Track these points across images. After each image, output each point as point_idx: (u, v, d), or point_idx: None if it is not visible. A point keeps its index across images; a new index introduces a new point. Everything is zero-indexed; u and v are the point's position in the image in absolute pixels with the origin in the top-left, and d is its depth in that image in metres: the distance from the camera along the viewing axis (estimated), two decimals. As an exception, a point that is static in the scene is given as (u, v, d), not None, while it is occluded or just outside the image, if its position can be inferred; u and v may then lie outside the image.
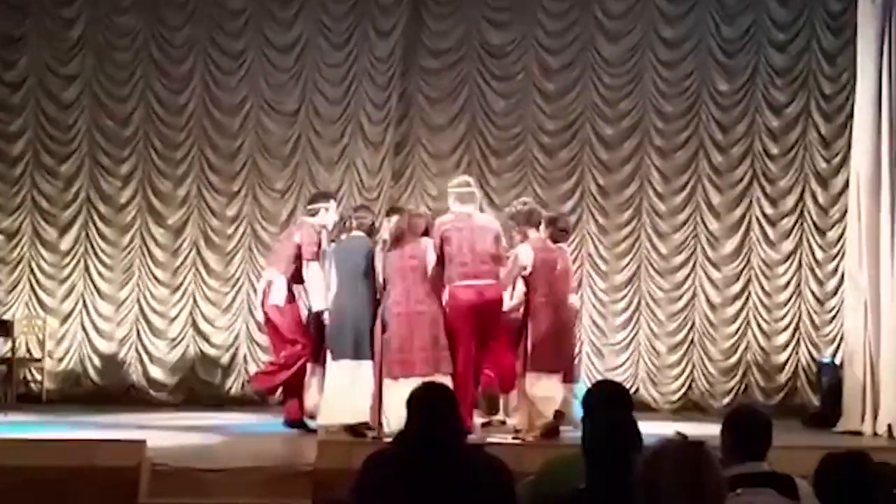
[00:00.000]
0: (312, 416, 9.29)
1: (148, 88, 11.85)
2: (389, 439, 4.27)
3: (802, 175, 11.96)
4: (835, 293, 11.66)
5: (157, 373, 11.73)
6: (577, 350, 10.26)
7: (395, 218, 9.27)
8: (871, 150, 10.13)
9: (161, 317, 11.80)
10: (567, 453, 4.24)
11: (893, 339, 9.82)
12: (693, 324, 11.97)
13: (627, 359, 11.90)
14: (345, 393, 8.76)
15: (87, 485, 6.72)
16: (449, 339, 8.71)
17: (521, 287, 9.02)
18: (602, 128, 12.06)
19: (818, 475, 3.77)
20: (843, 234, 11.19)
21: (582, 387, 8.55)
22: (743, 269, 11.98)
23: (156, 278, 11.81)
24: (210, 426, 9.85)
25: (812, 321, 11.85)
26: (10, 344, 11.12)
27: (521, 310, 9.02)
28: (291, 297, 9.42)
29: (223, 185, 11.91)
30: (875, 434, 9.85)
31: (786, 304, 11.91)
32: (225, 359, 11.78)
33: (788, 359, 11.86)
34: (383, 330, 8.79)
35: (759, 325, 11.91)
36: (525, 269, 8.86)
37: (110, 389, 11.66)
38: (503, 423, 9.50)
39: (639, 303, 11.99)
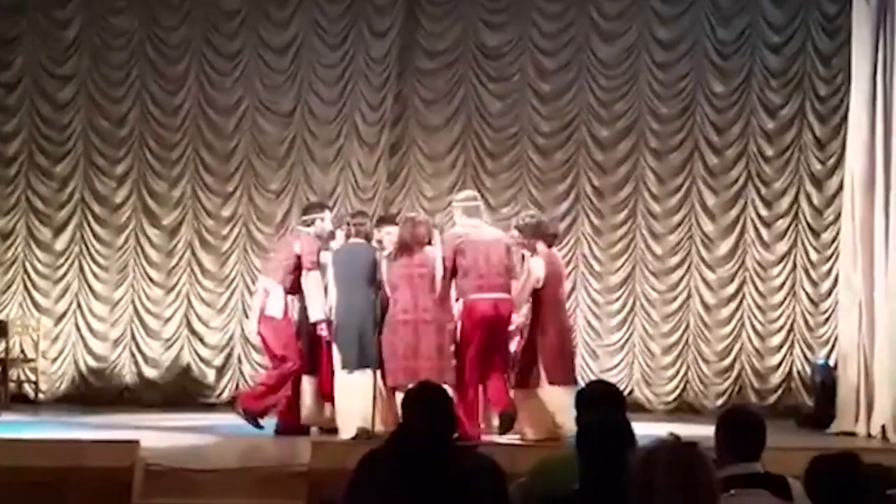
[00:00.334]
0: (307, 425, 9.28)
1: (143, 89, 11.85)
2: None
3: (797, 177, 11.97)
4: (829, 295, 11.67)
5: (151, 373, 11.73)
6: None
7: (386, 228, 9.29)
8: (865, 152, 10.14)
9: (155, 317, 11.80)
10: (560, 454, 4.25)
11: (887, 341, 9.82)
12: (687, 325, 11.98)
13: (622, 360, 11.91)
14: (359, 402, 8.70)
15: (81, 485, 6.70)
16: (459, 351, 8.72)
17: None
18: (597, 129, 12.07)
19: (808, 476, 3.78)
20: (837, 235, 11.22)
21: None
22: (737, 270, 11.99)
23: (150, 279, 11.81)
24: (204, 427, 9.84)
25: (806, 322, 11.86)
26: (3, 344, 11.11)
27: (527, 323, 9.00)
28: (286, 309, 9.31)
29: (218, 186, 11.91)
30: (869, 435, 9.86)
31: (780, 306, 11.92)
32: (219, 360, 11.77)
33: (783, 360, 11.87)
34: (381, 335, 8.80)
35: (753, 327, 11.92)
36: (539, 282, 8.89)
37: (104, 390, 11.66)
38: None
39: (633, 304, 12.00)
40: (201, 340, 11.79)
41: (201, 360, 11.77)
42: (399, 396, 8.33)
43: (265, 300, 9.26)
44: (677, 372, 11.94)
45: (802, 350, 11.83)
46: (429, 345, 8.62)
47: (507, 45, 12.07)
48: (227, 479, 7.30)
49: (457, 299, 8.88)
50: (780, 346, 11.89)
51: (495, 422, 8.93)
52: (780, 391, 11.82)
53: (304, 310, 9.39)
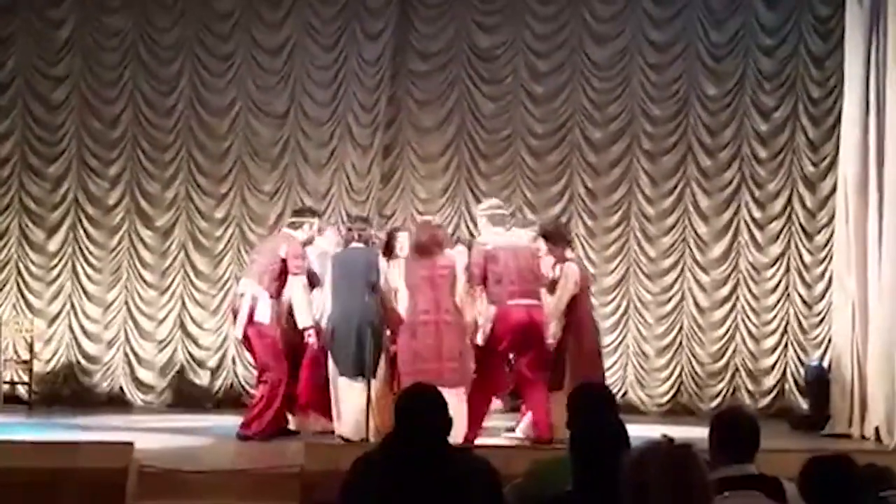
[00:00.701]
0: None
1: (136, 90, 11.84)
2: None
3: (790, 179, 11.99)
4: (823, 296, 11.69)
5: (144, 375, 11.72)
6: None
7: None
8: (858, 155, 10.16)
9: (149, 319, 11.78)
10: (554, 456, 4.25)
11: (881, 343, 9.84)
12: (681, 327, 11.99)
13: (616, 362, 11.90)
14: (358, 410, 8.71)
15: (75, 487, 6.70)
16: (485, 355, 8.73)
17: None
18: (591, 131, 12.08)
19: (802, 478, 3.78)
20: (830, 237, 11.23)
21: None
22: (731, 272, 12.00)
23: (144, 280, 11.80)
24: (198, 428, 9.84)
25: (800, 324, 11.87)
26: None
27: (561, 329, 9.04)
28: (274, 316, 9.16)
29: (211, 187, 11.90)
30: (863, 437, 9.88)
31: (774, 308, 11.93)
32: (213, 361, 11.76)
33: (776, 362, 11.88)
34: (394, 340, 8.80)
35: (747, 329, 11.93)
36: (576, 287, 9.00)
37: (98, 391, 11.64)
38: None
39: (627, 306, 12.01)
40: (195, 342, 11.78)
41: (195, 361, 11.76)
42: None
43: (254, 306, 9.09)
44: (671, 374, 11.94)
45: (796, 352, 11.84)
46: (451, 346, 8.62)
47: (500, 47, 12.07)
48: (220, 481, 7.31)
49: (490, 305, 8.82)
50: (774, 348, 11.90)
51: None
52: (773, 393, 11.83)
53: (286, 316, 9.30)
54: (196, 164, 11.89)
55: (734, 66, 12.02)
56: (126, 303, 11.76)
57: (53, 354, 11.66)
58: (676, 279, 12.03)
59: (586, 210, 12.05)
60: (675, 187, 12.07)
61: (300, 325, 9.12)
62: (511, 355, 8.94)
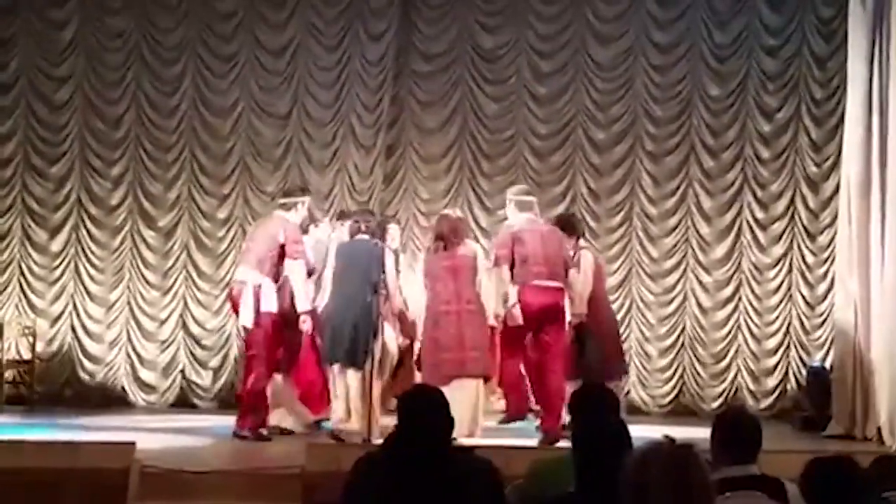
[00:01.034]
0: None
1: (139, 90, 11.84)
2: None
3: (793, 179, 11.98)
4: (825, 297, 11.68)
5: (146, 375, 11.72)
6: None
7: (347, 222, 9.38)
8: (861, 155, 10.14)
9: (151, 319, 11.79)
10: (555, 456, 4.25)
11: (883, 343, 9.82)
12: (684, 327, 11.98)
13: (618, 362, 11.89)
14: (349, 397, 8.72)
15: (76, 487, 6.70)
16: (508, 339, 8.80)
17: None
18: (594, 132, 12.08)
19: (804, 479, 3.78)
20: (833, 238, 11.22)
21: None
22: (734, 273, 12.00)
23: (146, 280, 11.80)
24: (200, 428, 9.83)
25: (802, 325, 11.87)
26: (-1, 345, 11.10)
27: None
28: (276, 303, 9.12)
29: (214, 188, 11.90)
30: (865, 438, 9.86)
31: (776, 308, 11.93)
32: (215, 361, 11.76)
33: (779, 362, 11.88)
34: (406, 335, 8.85)
35: (749, 329, 11.93)
36: (592, 274, 9.26)
37: (100, 391, 11.64)
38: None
39: (630, 306, 12.01)
40: (197, 342, 11.79)
41: (197, 361, 11.77)
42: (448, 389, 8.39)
43: (258, 294, 8.99)
44: (673, 374, 11.94)
45: (798, 353, 11.83)
46: (473, 336, 8.69)
47: (503, 48, 12.07)
48: (222, 481, 7.30)
49: (514, 286, 8.86)
50: (777, 349, 11.90)
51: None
52: (775, 393, 11.83)
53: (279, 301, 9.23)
54: (199, 164, 11.90)
55: (737, 67, 12.02)
56: (128, 303, 11.77)
57: (55, 354, 11.67)
58: (679, 280, 12.03)
59: (589, 211, 12.05)
60: (678, 188, 12.06)
61: (300, 309, 9.05)
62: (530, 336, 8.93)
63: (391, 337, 9.30)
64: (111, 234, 11.82)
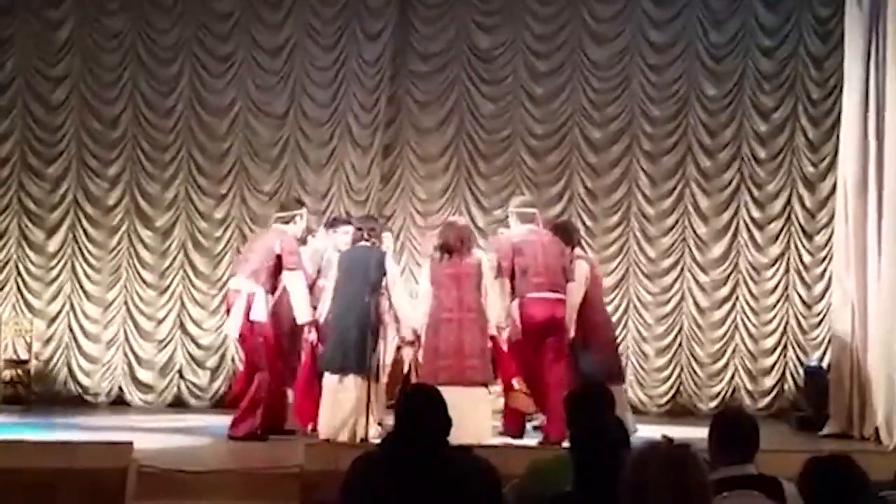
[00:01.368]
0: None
1: (136, 90, 11.83)
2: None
3: (790, 179, 11.99)
4: (822, 297, 11.70)
5: (144, 375, 11.71)
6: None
7: (343, 228, 9.48)
8: (858, 155, 10.16)
9: (148, 319, 11.78)
10: (553, 455, 4.25)
11: (880, 343, 9.83)
12: (681, 327, 11.99)
13: (615, 362, 11.89)
14: (345, 408, 8.68)
15: (74, 487, 6.70)
16: (511, 351, 8.80)
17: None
18: (590, 131, 12.08)
19: (802, 479, 3.78)
20: (830, 238, 11.23)
21: None
22: (730, 272, 12.00)
23: (143, 280, 11.79)
24: (198, 428, 9.83)
25: (799, 325, 11.87)
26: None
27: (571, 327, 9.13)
28: (268, 313, 9.09)
29: (211, 188, 11.90)
30: (863, 437, 9.87)
31: (773, 308, 11.94)
32: (212, 361, 11.76)
33: (776, 362, 11.89)
34: (417, 337, 8.83)
35: (746, 329, 11.93)
36: (587, 283, 9.19)
37: (97, 391, 11.64)
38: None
39: (627, 306, 12.01)
40: (194, 342, 11.78)
41: (194, 361, 11.76)
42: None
43: (250, 303, 9.01)
44: (671, 374, 11.95)
45: (796, 352, 11.84)
46: (472, 344, 8.65)
47: (499, 48, 12.07)
48: (220, 481, 7.30)
49: (513, 299, 8.90)
50: (774, 349, 11.90)
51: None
52: (773, 393, 11.84)
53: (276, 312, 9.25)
54: (196, 164, 11.89)
55: (734, 67, 12.03)
56: (125, 303, 11.76)
57: (53, 354, 11.66)
58: (676, 279, 12.03)
59: (586, 210, 12.05)
60: (675, 188, 12.07)
61: (299, 321, 9.09)
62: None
63: (391, 339, 9.33)
64: (108, 233, 11.81)
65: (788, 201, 11.99)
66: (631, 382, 11.86)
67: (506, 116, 12.08)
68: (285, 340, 9.31)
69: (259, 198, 11.86)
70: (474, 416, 8.17)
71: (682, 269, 12.04)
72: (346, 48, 11.91)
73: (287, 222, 9.39)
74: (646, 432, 8.44)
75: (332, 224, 9.90)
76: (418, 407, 3.92)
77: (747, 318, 11.94)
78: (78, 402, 11.49)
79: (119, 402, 11.56)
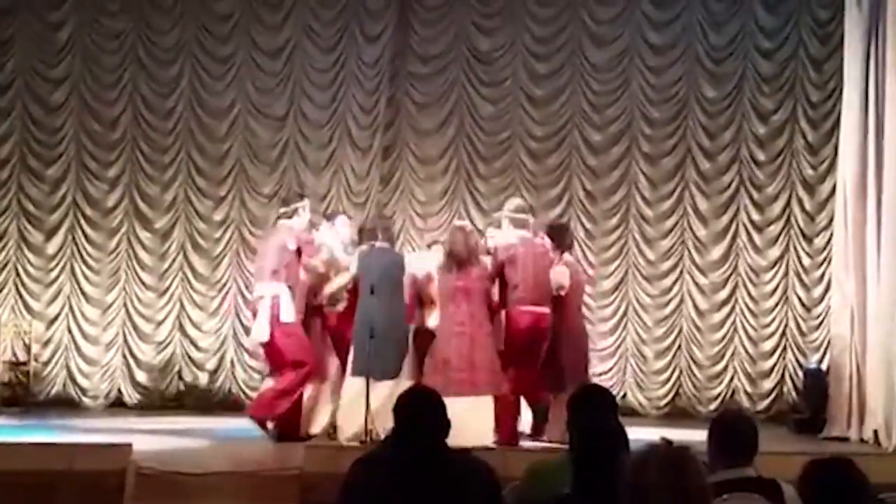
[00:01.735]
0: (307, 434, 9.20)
1: (135, 92, 11.84)
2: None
3: (789, 182, 11.99)
4: (821, 300, 11.69)
5: (143, 377, 11.71)
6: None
7: (339, 219, 9.61)
8: (857, 157, 10.16)
9: (148, 321, 11.78)
10: (552, 458, 4.25)
11: (879, 346, 9.83)
12: (680, 329, 11.98)
13: (614, 364, 11.91)
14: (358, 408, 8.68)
15: (73, 489, 6.69)
16: (504, 360, 8.80)
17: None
18: (590, 133, 12.08)
19: (802, 481, 3.78)
20: (829, 240, 11.23)
21: None
22: (730, 275, 12.00)
23: (142, 282, 11.79)
24: (197, 430, 9.82)
25: (798, 327, 11.86)
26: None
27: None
28: (297, 312, 9.04)
29: (210, 190, 11.90)
30: (861, 440, 9.87)
31: (772, 311, 11.93)
32: (212, 363, 11.75)
33: (775, 365, 11.88)
34: (426, 346, 8.82)
35: (745, 331, 11.93)
36: (563, 290, 9.11)
37: (96, 393, 11.63)
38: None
39: (626, 308, 12.01)
40: (194, 344, 11.78)
41: (193, 363, 11.76)
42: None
43: (276, 306, 8.93)
44: (670, 376, 11.94)
45: (795, 355, 11.83)
46: (483, 359, 8.67)
47: (499, 50, 12.08)
48: (219, 483, 7.29)
49: (501, 309, 8.94)
50: (773, 351, 11.89)
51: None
52: (772, 396, 11.83)
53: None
54: (195, 166, 11.89)
55: (733, 69, 12.03)
56: (124, 305, 11.76)
57: (52, 356, 11.65)
58: (675, 282, 12.03)
59: (585, 213, 12.05)
60: (674, 190, 12.07)
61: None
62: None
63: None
64: (107, 235, 11.81)
65: (788, 204, 11.98)
66: (630, 385, 11.89)
67: (505, 118, 12.08)
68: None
69: (258, 200, 11.86)
70: (478, 422, 8.35)
71: (681, 272, 12.03)
72: (345, 50, 11.92)
73: (291, 216, 9.32)
74: (645, 435, 8.43)
75: (329, 217, 9.86)
76: (417, 408, 3.92)
77: (746, 320, 11.94)
78: (77, 403, 11.49)
79: (118, 404, 11.56)
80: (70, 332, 11.71)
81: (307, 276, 9.23)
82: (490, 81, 12.10)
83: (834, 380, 10.34)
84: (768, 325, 11.92)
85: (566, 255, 9.35)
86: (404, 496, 3.76)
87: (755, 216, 12.01)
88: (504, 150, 12.09)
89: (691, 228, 12.04)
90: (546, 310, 8.92)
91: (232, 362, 11.70)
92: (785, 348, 11.88)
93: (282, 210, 9.52)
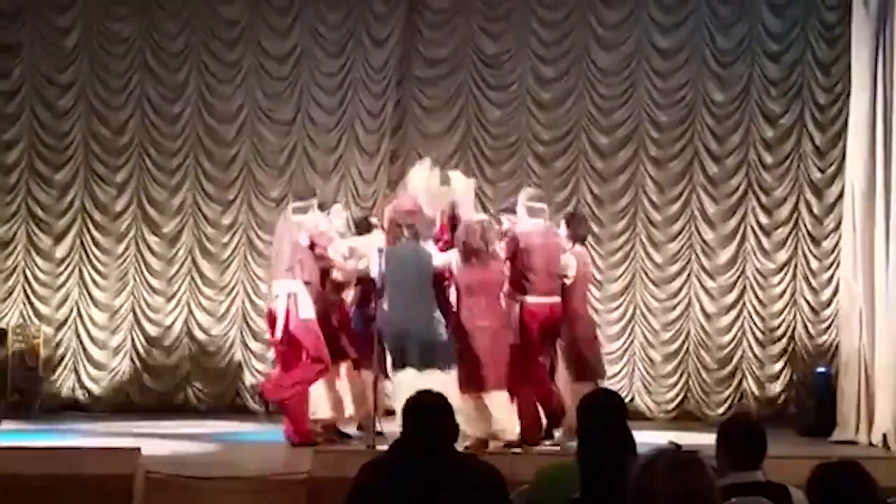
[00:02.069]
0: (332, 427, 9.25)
1: (143, 97, 11.86)
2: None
3: (797, 185, 11.97)
4: (829, 303, 11.66)
5: (151, 381, 11.72)
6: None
7: (334, 208, 9.69)
8: (865, 160, 10.15)
9: (156, 325, 11.79)
10: (561, 462, 4.25)
11: (888, 349, 9.82)
12: (688, 333, 11.96)
13: (622, 368, 11.89)
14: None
15: (81, 493, 6.70)
16: (521, 352, 8.83)
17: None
18: (597, 137, 12.08)
19: (811, 485, 3.77)
20: (837, 243, 11.21)
21: None
22: (738, 278, 11.98)
23: (151, 287, 11.81)
24: (205, 434, 9.85)
25: (807, 330, 11.83)
26: (3, 352, 11.08)
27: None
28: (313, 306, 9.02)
29: (218, 194, 11.91)
30: (870, 444, 9.86)
31: (781, 314, 11.90)
32: (220, 367, 11.76)
33: (783, 368, 11.85)
34: (458, 341, 8.82)
35: (754, 335, 11.90)
36: (567, 278, 9.15)
37: (105, 397, 11.65)
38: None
39: (634, 312, 12.00)
40: (202, 348, 11.79)
41: (201, 367, 11.76)
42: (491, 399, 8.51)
43: (294, 303, 8.92)
44: (678, 380, 11.92)
45: (803, 358, 11.81)
46: (503, 353, 8.69)
47: (506, 54, 12.08)
48: (227, 487, 7.31)
49: (513, 297, 8.95)
50: (781, 355, 11.87)
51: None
52: (780, 399, 11.80)
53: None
54: (203, 170, 11.91)
55: (741, 72, 12.01)
56: (133, 309, 11.78)
57: (60, 361, 11.67)
58: (683, 285, 12.01)
59: (592, 216, 12.00)
60: (682, 193, 12.05)
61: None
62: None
63: None
64: (115, 240, 11.83)
65: (796, 207, 11.96)
66: (638, 389, 11.87)
67: (512, 122, 12.08)
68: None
69: (266, 204, 11.88)
70: (500, 416, 8.53)
71: (688, 275, 12.02)
72: (352, 54, 11.93)
73: (305, 212, 9.24)
74: (653, 439, 8.43)
75: (322, 207, 9.77)
76: (426, 412, 3.92)
77: (755, 323, 11.91)
78: (85, 407, 11.50)
79: (126, 409, 11.56)
80: (78, 336, 11.73)
81: (341, 275, 9.27)
82: (497, 85, 12.10)
83: (842, 383, 10.33)
84: (776, 329, 11.89)
85: (577, 246, 9.33)
86: (412, 500, 3.76)
87: (763, 219, 11.99)
88: (511, 153, 12.09)
89: (699, 232, 12.03)
90: (557, 299, 8.98)
91: (240, 366, 11.71)
92: (793, 352, 11.85)
93: (295, 205, 9.39)
